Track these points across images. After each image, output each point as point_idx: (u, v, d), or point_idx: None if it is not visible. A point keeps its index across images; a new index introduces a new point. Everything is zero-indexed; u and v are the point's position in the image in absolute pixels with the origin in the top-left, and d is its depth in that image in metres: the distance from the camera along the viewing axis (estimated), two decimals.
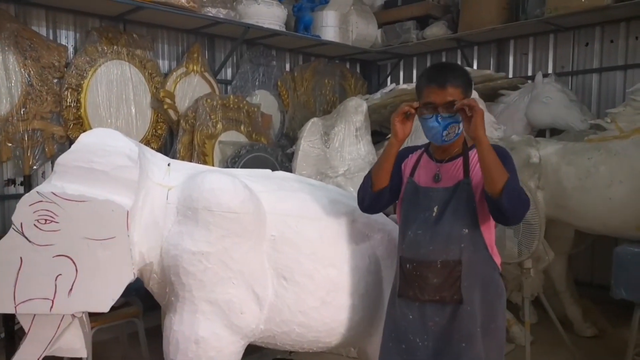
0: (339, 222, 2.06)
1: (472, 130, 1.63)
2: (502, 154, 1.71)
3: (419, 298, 1.75)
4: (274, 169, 4.66)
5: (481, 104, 3.62)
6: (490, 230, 1.79)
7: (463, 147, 1.82)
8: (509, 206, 1.61)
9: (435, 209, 1.74)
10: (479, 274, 1.74)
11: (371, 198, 1.91)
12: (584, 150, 3.21)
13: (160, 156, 2.03)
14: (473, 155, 1.77)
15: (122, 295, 1.84)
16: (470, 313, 1.70)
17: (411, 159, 1.92)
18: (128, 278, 1.73)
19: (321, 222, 2.02)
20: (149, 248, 1.81)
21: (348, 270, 2.02)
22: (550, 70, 4.73)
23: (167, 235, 1.82)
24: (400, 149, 1.91)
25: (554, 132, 4.36)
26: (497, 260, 1.81)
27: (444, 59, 5.53)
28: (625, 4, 3.84)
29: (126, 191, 1.71)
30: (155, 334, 2.31)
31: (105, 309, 1.71)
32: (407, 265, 1.78)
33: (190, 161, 4.17)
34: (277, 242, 1.93)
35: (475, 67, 5.22)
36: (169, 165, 1.97)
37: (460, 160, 1.79)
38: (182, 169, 2.00)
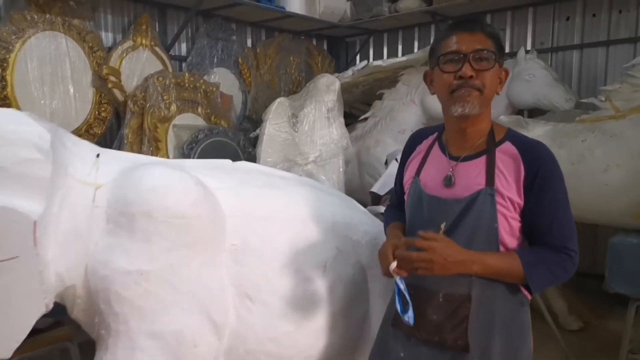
0: (316, 224, 1.68)
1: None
2: (545, 175, 1.29)
3: (414, 334, 1.37)
4: (235, 155, 4.27)
5: None
6: None
7: (488, 141, 1.37)
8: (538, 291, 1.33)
9: (442, 226, 1.33)
10: (497, 313, 1.33)
11: None
12: (577, 131, 2.95)
13: (86, 145, 1.58)
14: (502, 152, 1.35)
15: (50, 315, 1.44)
16: None
17: (420, 150, 1.52)
18: (38, 311, 1.31)
19: (294, 224, 1.64)
20: (70, 267, 1.37)
21: (328, 284, 1.65)
22: (529, 47, 4.48)
23: (94, 249, 1.39)
24: (414, 133, 1.59)
25: (533, 113, 4.14)
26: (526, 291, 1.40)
27: (416, 35, 5.21)
28: None
29: (34, 193, 1.27)
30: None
31: (7, 354, 1.28)
32: None
33: (141, 148, 3.75)
34: (240, 253, 1.53)
35: None
36: (97, 156, 1.53)
37: (482, 160, 1.35)
38: (116, 161, 1.56)
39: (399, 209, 1.61)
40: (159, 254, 1.38)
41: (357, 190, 4.10)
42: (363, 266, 1.74)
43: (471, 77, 1.30)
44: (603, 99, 2.97)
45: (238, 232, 1.54)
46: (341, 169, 3.28)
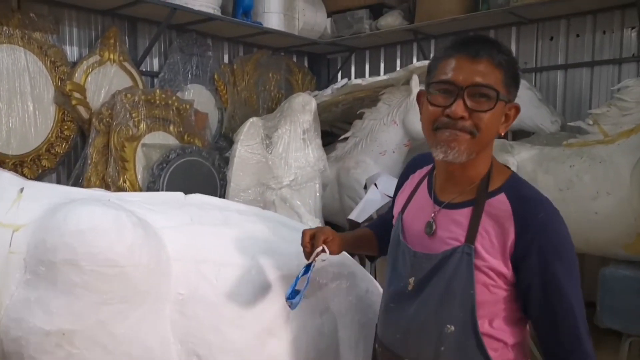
0: (277, 267, 1.48)
1: None
2: (543, 245, 1.04)
3: None
4: (209, 175, 4.06)
5: None
6: (507, 334, 1.11)
7: (479, 189, 1.13)
8: None
9: (411, 282, 1.13)
10: None
11: None
12: (564, 156, 2.82)
13: (8, 178, 1.36)
14: (492, 206, 1.10)
15: None
16: None
17: (412, 182, 1.31)
18: None
19: (251, 268, 1.43)
20: None
21: (292, 336, 1.44)
22: None
23: (8, 304, 1.18)
24: (416, 156, 1.39)
25: (517, 135, 4.03)
26: None
27: (399, 53, 5.10)
28: None
29: None
30: None
31: None
32: (376, 345, 1.24)
33: (106, 168, 3.53)
34: (188, 304, 1.33)
35: None
36: (21, 191, 1.32)
37: (468, 212, 1.11)
38: (45, 196, 1.34)
39: (385, 223, 1.44)
40: (86, 310, 1.17)
41: (337, 213, 3.91)
42: (333, 314, 1.54)
43: (462, 117, 1.05)
44: (591, 122, 2.84)
45: (186, 279, 1.34)
46: (318, 194, 3.09)
